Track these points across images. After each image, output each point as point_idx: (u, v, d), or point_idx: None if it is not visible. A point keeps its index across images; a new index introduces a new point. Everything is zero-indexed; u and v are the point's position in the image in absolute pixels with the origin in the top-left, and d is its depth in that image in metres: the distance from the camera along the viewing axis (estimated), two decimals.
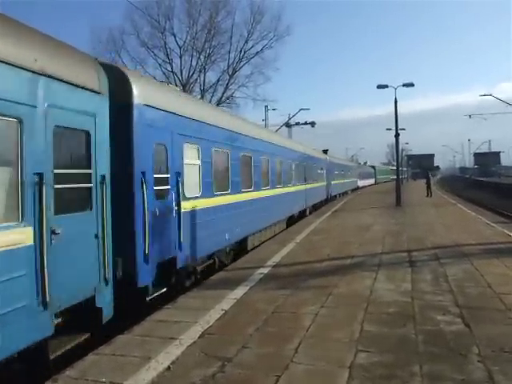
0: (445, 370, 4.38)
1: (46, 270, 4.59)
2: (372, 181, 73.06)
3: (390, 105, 29.55)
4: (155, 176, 7.26)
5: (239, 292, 7.51)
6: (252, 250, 12.28)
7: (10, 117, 4.30)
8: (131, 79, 6.88)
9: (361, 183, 57.71)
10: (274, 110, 43.85)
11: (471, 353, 4.76)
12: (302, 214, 21.55)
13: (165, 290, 7.48)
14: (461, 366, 4.46)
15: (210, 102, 39.39)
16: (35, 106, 4.60)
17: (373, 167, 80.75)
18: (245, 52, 40.46)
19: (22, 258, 4.39)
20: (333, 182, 33.03)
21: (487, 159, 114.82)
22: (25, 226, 4.44)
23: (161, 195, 7.47)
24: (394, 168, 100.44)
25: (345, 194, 42.12)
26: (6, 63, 4.26)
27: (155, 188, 7.24)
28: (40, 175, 4.59)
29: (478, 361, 4.56)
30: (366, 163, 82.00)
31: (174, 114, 8.01)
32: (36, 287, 4.56)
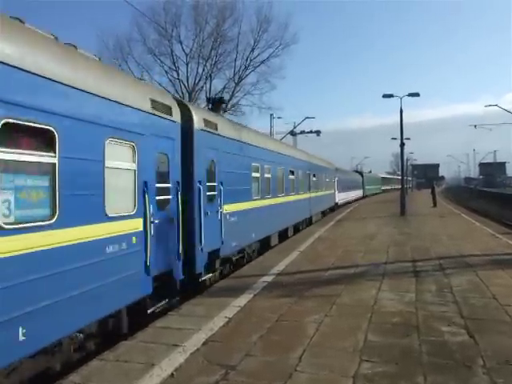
0: (449, 381, 4.36)
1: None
2: (359, 193, 52.20)
3: (396, 114, 29.74)
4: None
5: (243, 300, 7.51)
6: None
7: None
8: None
9: (342, 197, 36.71)
10: (279, 118, 44.00)
11: (476, 364, 4.74)
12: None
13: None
14: (465, 377, 4.44)
15: None
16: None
17: (360, 173, 59.11)
18: (251, 60, 40.71)
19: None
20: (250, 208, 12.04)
21: (492, 169, 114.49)
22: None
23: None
24: (388, 176, 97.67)
25: (304, 224, 20.88)
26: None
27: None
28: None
29: (483, 373, 4.53)
30: (370, 172, 78.46)
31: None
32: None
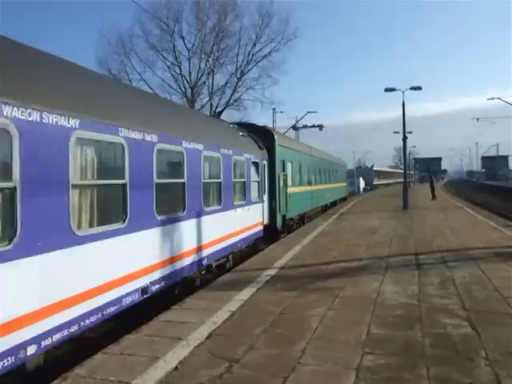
0: (452, 373, 4.38)
1: None
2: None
3: (399, 108, 28.93)
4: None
5: (246, 293, 7.54)
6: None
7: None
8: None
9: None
10: (281, 112, 43.95)
11: (478, 356, 4.75)
12: None
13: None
14: (468, 369, 4.46)
15: (218, 104, 39.76)
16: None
17: (268, 133, 15.34)
18: (253, 55, 40.62)
19: None
20: None
21: (495, 163, 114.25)
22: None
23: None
24: (387, 170, 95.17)
25: None
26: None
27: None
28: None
29: (486, 364, 4.55)
30: (372, 167, 76.60)
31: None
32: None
